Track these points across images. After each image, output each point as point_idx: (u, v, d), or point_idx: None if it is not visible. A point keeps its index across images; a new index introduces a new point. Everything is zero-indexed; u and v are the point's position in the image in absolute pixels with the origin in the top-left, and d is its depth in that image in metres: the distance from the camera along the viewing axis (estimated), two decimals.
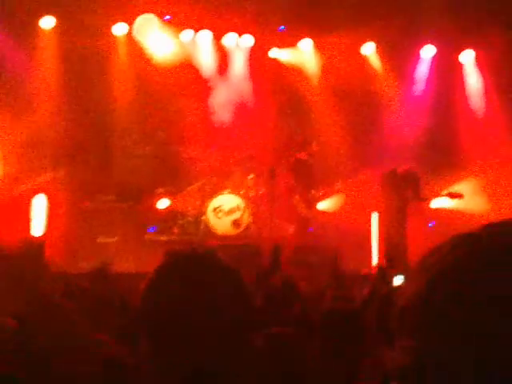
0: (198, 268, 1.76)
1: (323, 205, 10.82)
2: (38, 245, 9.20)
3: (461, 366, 0.94)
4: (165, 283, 1.73)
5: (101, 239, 9.89)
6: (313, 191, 10.10)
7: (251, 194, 10.56)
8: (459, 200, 9.67)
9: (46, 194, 9.73)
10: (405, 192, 9.42)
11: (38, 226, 9.66)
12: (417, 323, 0.98)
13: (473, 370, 0.92)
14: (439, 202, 10.25)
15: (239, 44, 11.50)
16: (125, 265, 9.12)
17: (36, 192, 9.76)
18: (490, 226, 1.00)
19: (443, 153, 10.75)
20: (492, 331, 0.92)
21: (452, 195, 9.63)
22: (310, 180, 10.19)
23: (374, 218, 10.02)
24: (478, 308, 0.93)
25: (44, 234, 9.53)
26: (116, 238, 9.94)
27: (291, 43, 11.63)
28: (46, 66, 10.64)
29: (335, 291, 5.58)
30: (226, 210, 10.30)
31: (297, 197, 9.94)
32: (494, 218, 1.02)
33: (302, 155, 10.16)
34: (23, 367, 2.45)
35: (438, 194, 9.90)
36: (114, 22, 10.92)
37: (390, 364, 2.76)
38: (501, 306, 0.92)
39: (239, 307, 1.75)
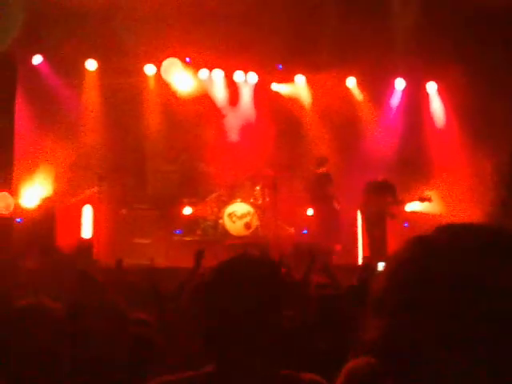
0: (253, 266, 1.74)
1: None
2: (87, 245, 9.58)
3: (423, 338, 0.92)
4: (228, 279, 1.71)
5: (137, 240, 9.93)
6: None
7: (259, 202, 10.59)
8: (429, 203, 9.63)
9: (92, 205, 9.88)
10: (384, 197, 9.48)
11: (86, 230, 9.86)
12: (383, 305, 0.97)
13: (434, 341, 0.91)
14: (412, 206, 10.30)
15: (246, 80, 11.59)
16: (157, 261, 9.22)
17: (84, 203, 9.94)
18: (438, 228, 1.00)
19: (413, 166, 10.83)
20: (440, 309, 0.92)
21: (422, 198, 9.63)
22: (333, 189, 10.35)
23: (359, 218, 10.11)
24: (430, 291, 0.93)
25: (92, 237, 9.71)
26: (149, 240, 9.96)
27: (288, 79, 11.74)
28: (90, 100, 10.76)
29: (321, 279, 5.42)
30: (238, 215, 10.32)
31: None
32: (453, 219, 1.03)
33: (324, 170, 10.32)
34: (68, 348, 2.24)
35: (411, 199, 9.85)
36: (144, 64, 11.02)
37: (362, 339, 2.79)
38: (444, 288, 0.92)
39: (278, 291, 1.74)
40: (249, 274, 1.71)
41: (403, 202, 9.82)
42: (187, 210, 10.59)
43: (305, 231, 10.76)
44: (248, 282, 1.69)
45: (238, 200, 10.50)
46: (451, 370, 0.91)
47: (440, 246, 0.97)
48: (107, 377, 2.35)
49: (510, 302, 0.91)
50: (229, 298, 1.67)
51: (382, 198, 9.51)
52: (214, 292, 1.72)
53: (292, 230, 10.72)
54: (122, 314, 2.46)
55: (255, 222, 10.36)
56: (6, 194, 8.63)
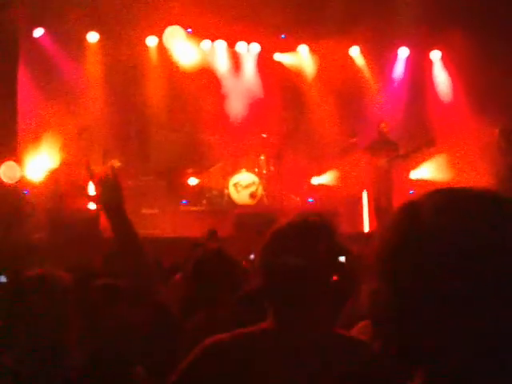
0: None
1: (320, 179, 10.97)
2: (94, 216, 9.44)
3: (423, 299, 0.91)
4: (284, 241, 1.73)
5: (144, 211, 9.87)
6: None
7: (263, 171, 10.53)
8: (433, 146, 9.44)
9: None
10: (388, 153, 9.40)
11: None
12: (374, 271, 0.97)
13: (434, 303, 0.91)
14: (418, 174, 10.31)
15: (249, 50, 11.48)
16: (164, 231, 9.27)
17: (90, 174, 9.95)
18: (428, 192, 1.00)
19: (417, 133, 10.62)
20: (426, 275, 0.91)
21: (428, 142, 9.44)
22: None
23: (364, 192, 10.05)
24: (416, 257, 0.92)
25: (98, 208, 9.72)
26: (156, 210, 9.92)
27: (291, 48, 11.62)
28: (93, 73, 10.63)
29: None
30: (243, 184, 10.24)
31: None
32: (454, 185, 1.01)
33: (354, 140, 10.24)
34: (78, 314, 2.26)
35: (416, 148, 9.61)
36: (146, 35, 10.90)
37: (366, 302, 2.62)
38: (430, 254, 0.92)
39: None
40: (307, 236, 1.74)
41: (408, 155, 9.65)
42: (192, 181, 10.56)
43: (310, 200, 10.72)
44: (306, 244, 1.71)
45: (243, 170, 10.45)
46: (446, 331, 0.90)
47: (426, 210, 0.95)
48: (118, 346, 2.38)
49: (491, 261, 0.89)
50: (285, 260, 1.69)
51: (386, 154, 9.39)
52: (271, 253, 1.74)
53: (298, 199, 10.68)
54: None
55: (260, 192, 10.32)
56: (12, 162, 8.47)
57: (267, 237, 1.77)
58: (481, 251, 0.90)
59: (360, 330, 2.62)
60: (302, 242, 1.72)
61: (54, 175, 9.43)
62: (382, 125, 9.72)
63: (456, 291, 0.89)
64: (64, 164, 9.68)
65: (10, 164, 8.52)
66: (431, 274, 0.90)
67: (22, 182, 9.10)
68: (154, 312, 2.69)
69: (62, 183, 9.40)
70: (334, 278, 1.74)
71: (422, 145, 9.55)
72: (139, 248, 2.26)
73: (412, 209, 0.97)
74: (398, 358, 0.96)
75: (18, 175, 8.74)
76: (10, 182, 8.45)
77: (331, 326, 1.78)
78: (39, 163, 9.59)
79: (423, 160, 10.46)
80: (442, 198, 0.97)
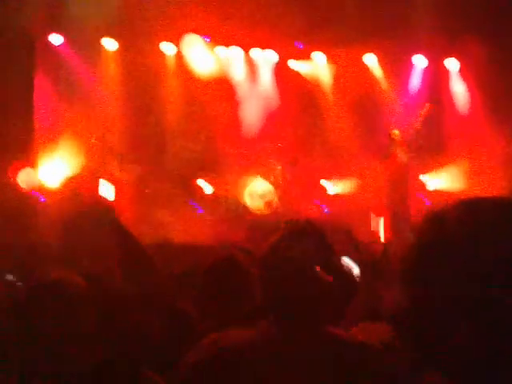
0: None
1: (337, 188, 10.94)
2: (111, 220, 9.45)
3: (445, 306, 0.93)
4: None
5: (159, 217, 9.65)
6: None
7: (279, 180, 10.45)
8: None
9: (115, 184, 9.68)
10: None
11: None
12: (411, 274, 0.99)
13: (455, 311, 0.93)
14: (434, 184, 10.23)
15: (265, 57, 11.42)
16: (178, 237, 8.95)
17: (106, 181, 9.69)
18: (452, 203, 1.01)
19: (434, 142, 10.56)
20: (453, 284, 0.93)
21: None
22: None
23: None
24: (442, 267, 0.94)
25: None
26: (171, 217, 9.71)
27: (307, 56, 11.55)
28: (110, 79, 10.65)
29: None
30: (259, 193, 10.21)
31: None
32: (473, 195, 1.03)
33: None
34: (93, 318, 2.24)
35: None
36: (163, 43, 10.85)
37: (387, 305, 2.80)
38: (455, 263, 0.94)
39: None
40: (301, 246, 1.81)
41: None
42: (208, 189, 10.57)
43: (326, 210, 10.66)
44: (309, 251, 1.79)
45: (259, 178, 10.43)
46: (467, 339, 0.92)
47: (451, 221, 0.97)
48: (129, 350, 2.36)
49: None
50: (290, 266, 1.76)
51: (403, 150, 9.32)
52: (268, 264, 1.82)
53: (313, 207, 10.59)
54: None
55: (276, 201, 10.28)
56: (30, 169, 8.46)
57: (264, 248, 1.86)
58: (504, 261, 0.91)
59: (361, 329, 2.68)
60: (295, 248, 1.79)
61: (71, 182, 9.42)
62: (394, 132, 9.57)
63: (478, 300, 0.91)
64: (81, 171, 9.70)
65: (28, 171, 8.53)
66: (455, 283, 0.93)
67: (40, 188, 9.10)
68: (169, 317, 2.80)
69: (79, 190, 9.32)
70: (330, 279, 1.80)
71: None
72: (143, 255, 2.34)
73: (437, 219, 0.99)
74: (416, 357, 0.99)
75: (35, 182, 8.74)
76: (27, 188, 8.44)
77: (332, 326, 1.82)
78: (55, 169, 9.60)
79: (438, 168, 10.35)
80: (467, 208, 0.99)
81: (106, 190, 9.69)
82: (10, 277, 4.00)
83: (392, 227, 9.24)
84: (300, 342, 1.75)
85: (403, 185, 9.41)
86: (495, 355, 0.91)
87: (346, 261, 4.92)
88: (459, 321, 0.92)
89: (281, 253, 1.81)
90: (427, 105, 9.49)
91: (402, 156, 9.35)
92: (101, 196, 8.73)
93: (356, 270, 5.06)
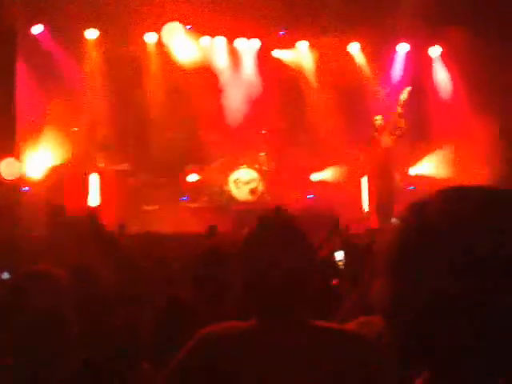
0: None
1: (320, 175, 10.98)
2: (94, 213, 9.38)
3: (429, 297, 0.92)
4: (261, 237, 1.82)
5: (144, 208, 9.88)
6: None
7: (264, 168, 10.49)
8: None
9: (99, 173, 9.71)
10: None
11: (94, 199, 9.66)
12: (393, 265, 0.97)
13: (440, 302, 0.91)
14: (416, 170, 10.27)
15: (248, 46, 11.39)
16: (164, 227, 9.03)
17: (91, 172, 9.75)
18: (436, 193, 1.00)
19: (417, 129, 10.51)
20: (437, 276, 0.91)
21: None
22: None
23: (364, 181, 9.93)
24: (425, 258, 0.92)
25: (99, 205, 9.46)
26: (157, 207, 9.88)
27: (290, 45, 11.53)
28: (92, 69, 10.58)
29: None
30: (244, 181, 10.23)
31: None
32: (459, 183, 1.02)
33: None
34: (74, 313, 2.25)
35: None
36: (145, 32, 10.80)
37: (373, 297, 2.72)
38: (438, 255, 0.92)
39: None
40: (283, 235, 1.79)
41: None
42: (192, 177, 10.54)
43: (310, 196, 10.68)
44: (282, 243, 1.77)
45: (244, 166, 10.43)
46: (450, 330, 0.90)
47: (434, 209, 0.95)
48: (124, 343, 2.40)
49: (500, 261, 0.88)
50: (265, 259, 1.74)
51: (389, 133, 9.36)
52: (250, 254, 1.80)
53: (297, 195, 10.60)
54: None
55: (260, 188, 10.31)
56: (12, 159, 8.37)
57: (242, 243, 1.83)
58: (489, 250, 0.89)
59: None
60: (276, 242, 1.77)
61: (54, 172, 9.37)
62: (377, 118, 9.63)
63: (463, 291, 0.89)
64: (64, 160, 9.62)
65: (9, 160, 8.43)
66: (438, 273, 0.90)
67: (22, 178, 9.04)
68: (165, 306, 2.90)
69: (63, 180, 9.34)
70: (316, 274, 1.83)
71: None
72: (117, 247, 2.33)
73: (420, 208, 0.97)
74: (405, 354, 0.96)
75: (18, 172, 8.66)
76: (10, 178, 8.36)
77: (311, 318, 1.81)
78: (39, 160, 9.55)
79: (422, 156, 10.35)
80: (449, 197, 0.97)
81: (93, 181, 9.69)
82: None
83: (378, 214, 9.27)
84: (286, 333, 1.75)
85: (387, 171, 9.42)
86: (485, 352, 0.89)
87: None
88: (446, 315, 0.90)
89: (252, 247, 1.81)
90: (407, 88, 9.52)
91: (385, 142, 9.37)
92: (84, 206, 8.60)
93: (339, 256, 5.14)
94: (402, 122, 9.36)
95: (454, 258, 0.90)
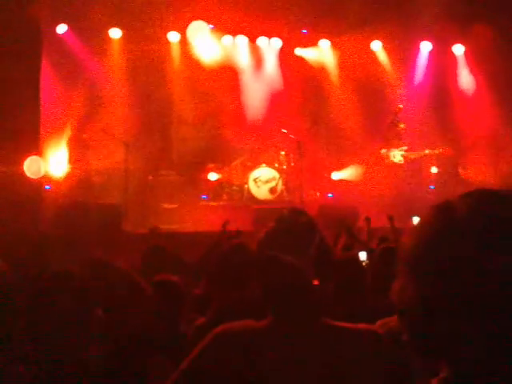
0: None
1: (341, 174, 10.99)
2: (116, 211, 9.53)
3: (452, 297, 0.92)
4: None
5: (164, 206, 9.90)
6: None
7: (283, 166, 10.49)
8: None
9: (122, 171, 9.63)
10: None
11: (114, 197, 9.68)
12: (417, 267, 0.97)
13: (463, 302, 0.91)
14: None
15: (270, 45, 11.41)
16: (184, 225, 9.33)
17: (114, 170, 9.85)
18: (463, 194, 1.00)
19: (439, 130, 10.57)
20: (461, 277, 0.92)
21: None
22: None
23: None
24: (450, 260, 0.93)
25: (120, 203, 9.41)
26: (177, 205, 9.90)
27: (313, 43, 11.54)
28: (116, 68, 10.68)
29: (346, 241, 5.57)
30: (263, 180, 10.24)
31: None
32: (489, 185, 1.06)
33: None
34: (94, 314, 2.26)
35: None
36: (168, 31, 10.90)
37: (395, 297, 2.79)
38: (462, 257, 0.92)
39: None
40: (298, 237, 1.83)
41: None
42: (213, 176, 10.57)
43: (330, 195, 10.66)
44: (297, 245, 1.81)
45: (263, 165, 10.44)
46: (472, 329, 0.90)
47: (461, 210, 0.95)
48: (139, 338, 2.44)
49: None
50: (280, 261, 1.78)
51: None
52: (266, 255, 1.83)
53: (317, 194, 10.66)
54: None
55: (280, 187, 10.31)
56: (36, 157, 8.55)
57: (257, 244, 1.87)
58: None
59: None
60: (290, 242, 1.81)
61: (77, 171, 9.49)
62: (399, 106, 9.81)
63: (487, 291, 0.89)
64: (86, 160, 9.80)
65: (34, 159, 8.61)
66: (463, 273, 0.91)
67: (45, 177, 9.23)
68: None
69: (85, 178, 9.50)
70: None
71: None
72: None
73: (447, 209, 0.97)
74: (422, 352, 0.97)
75: (41, 170, 8.85)
76: (33, 177, 8.55)
77: (323, 318, 1.83)
78: (62, 159, 9.69)
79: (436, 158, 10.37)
80: (476, 199, 0.97)
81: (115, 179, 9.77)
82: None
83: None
84: (300, 332, 1.78)
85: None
86: (507, 355, 0.89)
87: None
88: (468, 315, 0.89)
89: (268, 249, 1.83)
90: (400, 106, 9.77)
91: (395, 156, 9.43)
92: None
93: (362, 256, 5.14)
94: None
95: (481, 258, 0.89)
